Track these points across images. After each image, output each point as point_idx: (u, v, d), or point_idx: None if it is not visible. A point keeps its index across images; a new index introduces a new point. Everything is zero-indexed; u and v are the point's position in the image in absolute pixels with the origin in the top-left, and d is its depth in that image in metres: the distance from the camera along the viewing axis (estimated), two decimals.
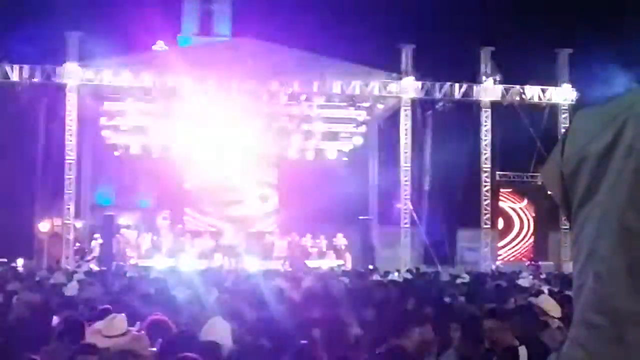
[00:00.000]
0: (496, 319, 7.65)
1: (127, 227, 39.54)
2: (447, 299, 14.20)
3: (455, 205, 34.82)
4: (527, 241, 37.21)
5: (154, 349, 7.25)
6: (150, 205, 42.99)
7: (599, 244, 1.52)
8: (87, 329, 8.14)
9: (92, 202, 41.48)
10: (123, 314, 7.93)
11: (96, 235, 36.85)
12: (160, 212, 39.97)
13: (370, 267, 32.41)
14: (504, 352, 7.38)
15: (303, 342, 7.40)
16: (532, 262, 35.03)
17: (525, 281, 21.69)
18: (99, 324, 7.61)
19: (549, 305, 10.05)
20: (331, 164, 41.25)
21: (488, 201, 35.78)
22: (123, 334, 7.35)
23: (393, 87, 34.83)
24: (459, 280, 21.52)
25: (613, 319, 1.47)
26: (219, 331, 8.37)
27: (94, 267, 32.86)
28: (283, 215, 42.74)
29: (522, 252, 37.19)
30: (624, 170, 1.50)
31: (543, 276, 26.83)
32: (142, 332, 7.67)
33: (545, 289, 16.64)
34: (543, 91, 35.96)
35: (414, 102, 34.71)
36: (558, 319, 9.78)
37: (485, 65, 35.42)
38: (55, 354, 7.62)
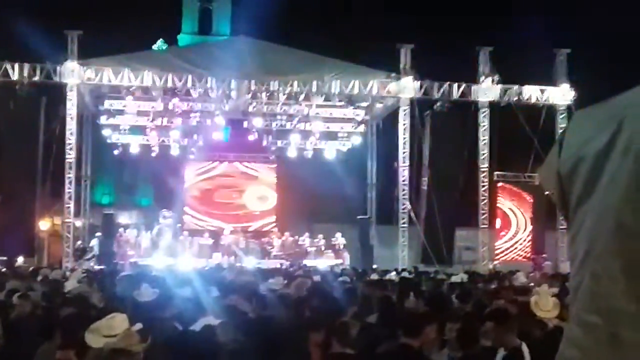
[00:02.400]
0: (498, 320, 7.66)
1: (127, 225, 39.58)
2: (444, 299, 14.23)
3: (453, 205, 34.78)
4: (524, 241, 37.20)
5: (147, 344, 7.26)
6: (150, 204, 43.10)
7: (596, 244, 1.53)
8: (87, 328, 8.15)
9: (92, 201, 41.51)
10: (124, 314, 7.91)
11: (97, 234, 36.88)
12: (160, 211, 39.94)
13: (375, 266, 32.46)
14: (510, 353, 7.41)
15: (300, 341, 7.43)
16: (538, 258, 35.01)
17: (522, 281, 21.74)
18: (98, 323, 7.59)
19: (546, 305, 10.08)
20: (330, 164, 41.30)
21: (486, 201, 35.76)
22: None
23: (392, 86, 34.77)
24: (454, 279, 21.49)
25: (608, 319, 1.48)
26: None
27: (94, 265, 32.92)
28: (281, 214, 42.80)
29: (520, 251, 37.19)
30: (620, 170, 1.50)
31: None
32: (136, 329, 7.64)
33: (543, 288, 16.63)
34: (541, 91, 35.91)
35: (412, 101, 34.62)
36: (555, 318, 9.82)
37: (484, 65, 35.37)
38: (51, 351, 7.66)
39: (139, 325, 7.44)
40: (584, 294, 1.55)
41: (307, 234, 38.96)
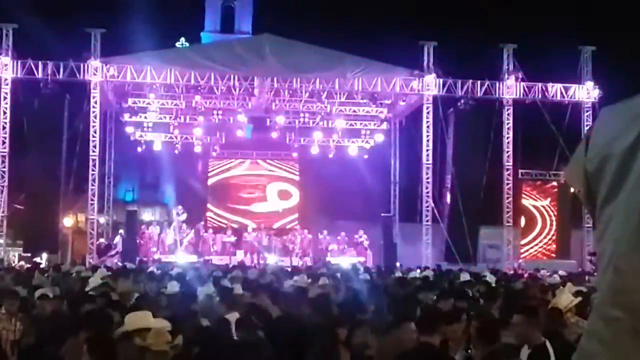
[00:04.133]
0: (527, 314, 7.66)
1: (150, 222, 39.74)
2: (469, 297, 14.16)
3: (477, 203, 34.68)
4: (549, 239, 37.03)
5: (177, 342, 7.28)
6: (173, 201, 43.16)
7: (621, 241, 1.52)
8: (111, 324, 8.21)
9: (115, 198, 41.72)
10: (148, 311, 7.94)
11: (120, 231, 37.07)
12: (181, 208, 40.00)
13: (398, 264, 32.47)
14: (535, 350, 7.38)
15: (325, 339, 7.40)
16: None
17: (547, 278, 21.64)
18: (127, 319, 7.65)
19: (565, 303, 10.03)
20: (353, 161, 41.22)
21: (510, 199, 35.65)
22: (147, 330, 7.35)
23: (415, 84, 34.76)
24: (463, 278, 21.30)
25: (630, 313, 1.48)
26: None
27: (117, 262, 33.06)
28: (304, 212, 42.79)
29: (544, 250, 37.01)
30: None
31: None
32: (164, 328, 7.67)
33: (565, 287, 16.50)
34: (566, 89, 35.73)
35: (435, 99, 34.60)
36: (576, 315, 9.78)
37: (508, 62, 35.25)
38: (76, 347, 7.68)
39: (167, 324, 7.47)
40: (607, 288, 1.55)
41: (328, 232, 38.95)
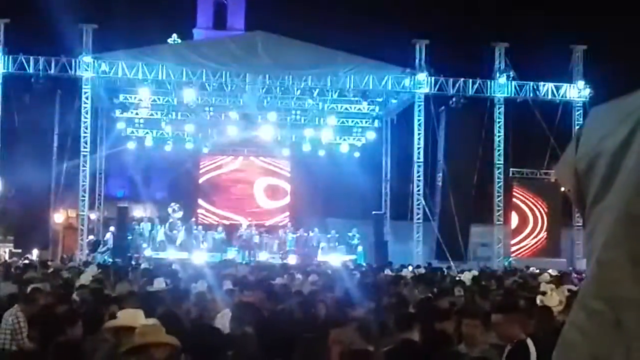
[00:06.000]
0: (504, 313, 7.66)
1: (141, 219, 39.67)
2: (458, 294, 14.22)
3: (468, 201, 34.71)
4: (540, 238, 37.08)
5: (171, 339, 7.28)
6: (164, 197, 43.19)
7: (608, 234, 1.51)
8: (101, 321, 8.21)
9: (106, 194, 41.64)
10: (139, 310, 7.91)
11: (111, 227, 36.99)
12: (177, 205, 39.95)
13: (387, 262, 32.50)
14: (514, 347, 7.40)
15: (317, 336, 7.42)
16: None
17: (537, 277, 21.70)
18: (118, 314, 7.65)
19: (551, 301, 10.07)
20: (344, 159, 41.23)
21: (501, 197, 35.67)
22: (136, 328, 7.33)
23: (406, 82, 34.73)
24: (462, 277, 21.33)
25: (612, 305, 1.48)
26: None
27: (108, 258, 33.03)
28: (295, 209, 42.80)
29: (535, 248, 37.05)
30: (637, 167, 1.48)
31: None
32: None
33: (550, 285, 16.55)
34: (557, 88, 35.78)
35: (427, 97, 34.60)
36: (562, 313, 9.81)
37: (499, 61, 35.26)
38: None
39: (157, 322, 7.46)
40: (589, 280, 1.55)
41: (320, 229, 38.91)
